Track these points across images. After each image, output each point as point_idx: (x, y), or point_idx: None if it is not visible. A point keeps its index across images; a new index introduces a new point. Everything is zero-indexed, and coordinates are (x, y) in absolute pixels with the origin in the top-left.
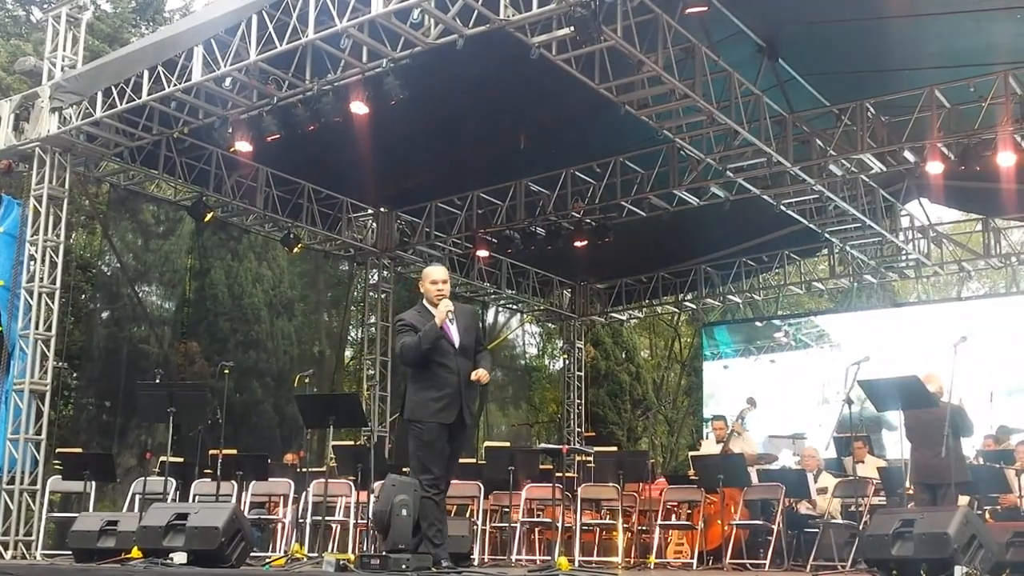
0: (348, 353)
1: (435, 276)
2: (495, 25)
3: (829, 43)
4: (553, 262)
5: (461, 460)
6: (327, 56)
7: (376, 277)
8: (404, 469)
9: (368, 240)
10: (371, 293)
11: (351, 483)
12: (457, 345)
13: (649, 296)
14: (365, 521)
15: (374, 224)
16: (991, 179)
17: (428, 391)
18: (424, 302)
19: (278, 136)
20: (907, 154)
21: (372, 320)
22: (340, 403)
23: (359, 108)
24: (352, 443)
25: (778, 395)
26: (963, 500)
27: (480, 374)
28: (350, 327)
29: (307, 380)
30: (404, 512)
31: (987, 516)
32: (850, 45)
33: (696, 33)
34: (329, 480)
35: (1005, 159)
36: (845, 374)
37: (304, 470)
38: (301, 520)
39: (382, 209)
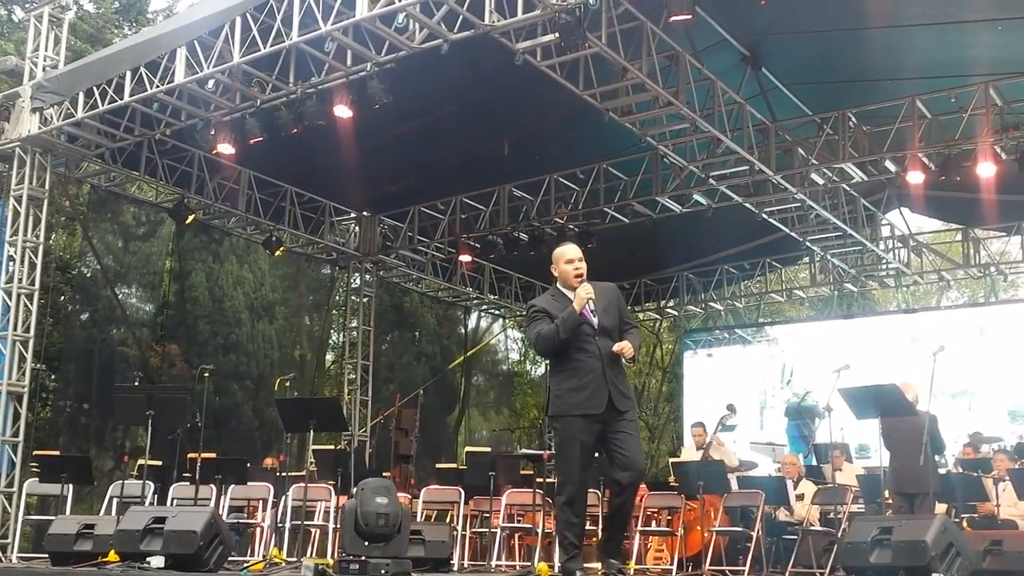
0: (329, 357)
1: (569, 255)
2: (480, 31)
3: (812, 53)
4: (536, 268)
5: (440, 465)
6: (311, 59)
7: (358, 281)
8: (385, 474)
9: (351, 244)
10: (353, 297)
11: (331, 487)
12: (597, 326)
13: (631, 303)
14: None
15: (357, 228)
16: (971, 189)
17: (569, 380)
18: (559, 285)
19: (261, 139)
20: (888, 164)
21: (354, 324)
22: (320, 407)
23: (343, 112)
24: (332, 447)
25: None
26: (940, 508)
27: (623, 346)
28: (331, 331)
29: (288, 384)
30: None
31: (964, 524)
32: (832, 55)
33: (680, 41)
34: (309, 484)
35: (985, 170)
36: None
37: (284, 474)
38: (280, 524)
39: (365, 213)
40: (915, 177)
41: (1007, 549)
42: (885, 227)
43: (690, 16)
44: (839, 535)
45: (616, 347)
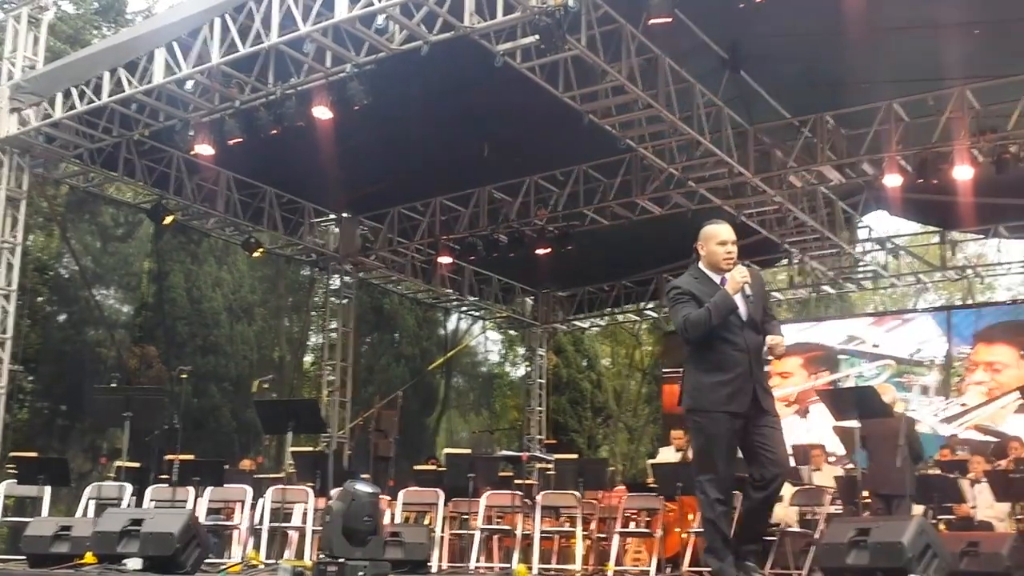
0: (308, 359)
1: (723, 235)
2: (460, 32)
3: (790, 56)
4: (516, 269)
5: (419, 467)
6: (290, 60)
7: (338, 282)
8: (363, 476)
9: (330, 245)
10: (332, 299)
11: (309, 489)
12: (745, 318)
13: (611, 304)
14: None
15: (336, 229)
16: (948, 192)
17: (713, 374)
18: (701, 266)
19: (240, 140)
20: (866, 167)
21: (333, 326)
22: (299, 409)
23: (322, 113)
24: (311, 449)
25: None
26: (918, 510)
27: (779, 340)
28: (311, 333)
29: (266, 386)
30: (328, 518)
31: (942, 526)
32: (810, 59)
33: (659, 44)
34: (287, 486)
35: (962, 172)
36: None
37: (261, 476)
38: (258, 526)
39: (344, 214)
40: (892, 180)
41: (983, 551)
42: (863, 229)
43: (669, 19)
44: (816, 536)
45: (772, 340)
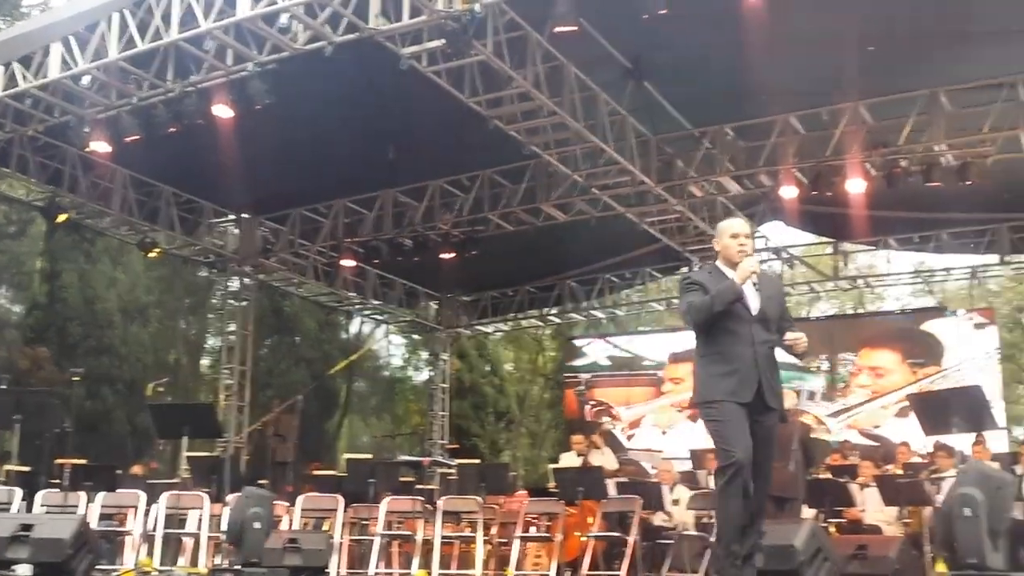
0: (206, 362)
1: (736, 229)
2: (364, 34)
3: (692, 68)
4: (420, 274)
5: (317, 472)
6: (190, 57)
7: (237, 284)
8: (260, 481)
9: (229, 246)
10: (231, 301)
11: (205, 495)
12: (755, 312)
13: (515, 310)
14: (219, 534)
15: (236, 230)
16: (841, 204)
17: (716, 365)
18: (718, 262)
19: (137, 137)
20: (763, 178)
21: (231, 328)
22: (194, 413)
23: (223, 111)
24: (207, 454)
25: None
26: (809, 513)
27: (798, 337)
28: (208, 335)
29: (161, 389)
30: (258, 524)
31: (832, 529)
32: (712, 71)
33: (565, 52)
34: (182, 492)
35: (855, 185)
36: None
37: (155, 481)
38: (151, 532)
39: (244, 215)
40: (788, 191)
41: (872, 554)
42: (760, 239)
43: (574, 28)
44: (712, 540)
45: (791, 336)
